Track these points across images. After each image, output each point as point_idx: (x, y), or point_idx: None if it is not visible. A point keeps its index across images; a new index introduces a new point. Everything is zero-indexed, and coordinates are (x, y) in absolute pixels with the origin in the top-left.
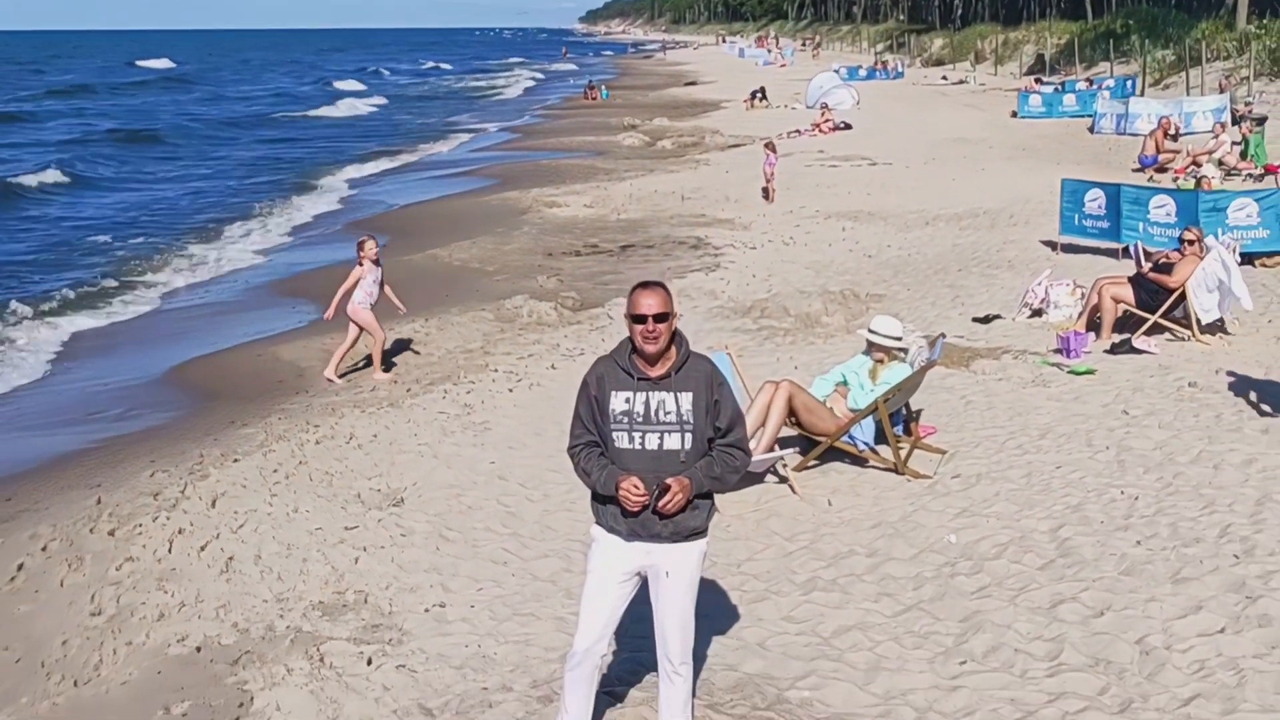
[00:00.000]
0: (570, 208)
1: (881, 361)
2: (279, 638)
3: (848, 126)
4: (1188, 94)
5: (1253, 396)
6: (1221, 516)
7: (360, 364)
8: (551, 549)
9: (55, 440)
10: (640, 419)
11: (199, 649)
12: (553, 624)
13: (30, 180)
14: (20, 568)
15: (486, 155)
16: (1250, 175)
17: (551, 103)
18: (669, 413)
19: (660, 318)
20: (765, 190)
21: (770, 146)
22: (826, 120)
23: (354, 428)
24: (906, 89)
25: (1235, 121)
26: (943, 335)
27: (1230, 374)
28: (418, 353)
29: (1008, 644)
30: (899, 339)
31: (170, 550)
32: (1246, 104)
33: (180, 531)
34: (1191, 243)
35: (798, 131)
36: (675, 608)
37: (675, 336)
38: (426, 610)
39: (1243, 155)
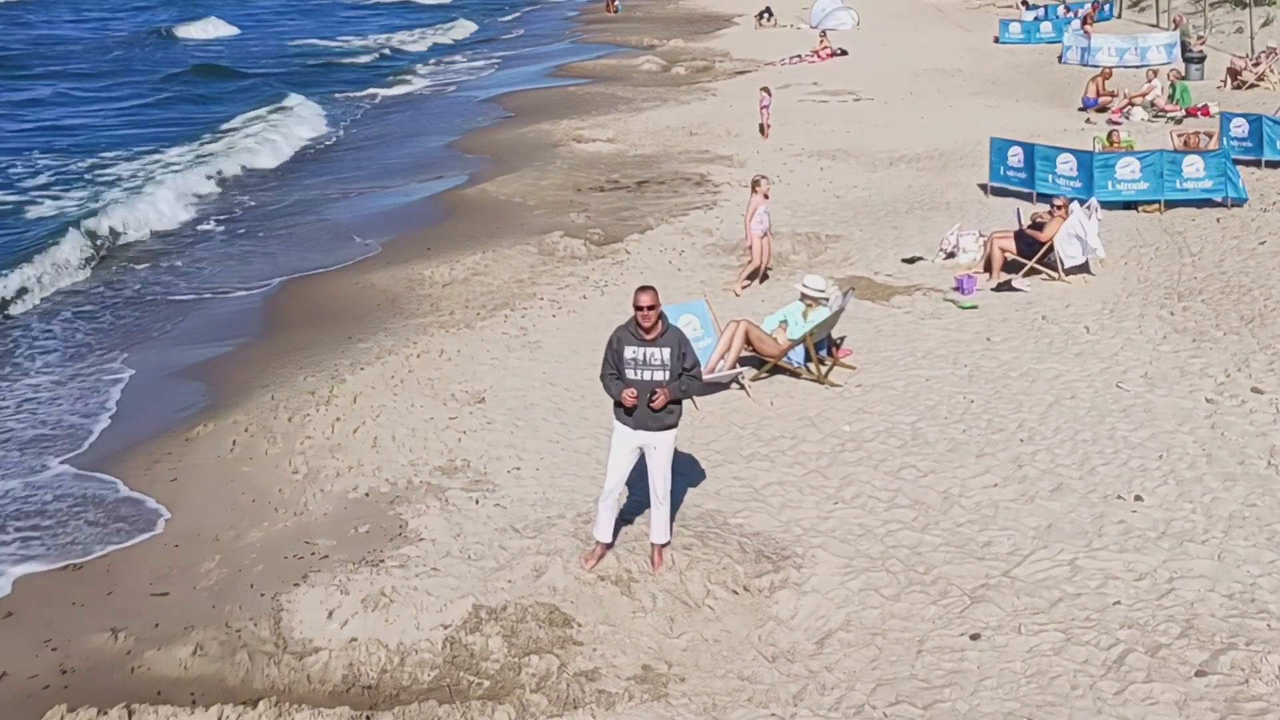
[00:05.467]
0: (595, 143)
1: (811, 306)
2: (416, 488)
3: (844, 53)
4: (1157, 18)
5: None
6: (1023, 415)
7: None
8: (586, 433)
9: (216, 350)
10: (641, 363)
11: (367, 494)
12: (588, 480)
13: None
14: (234, 443)
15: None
16: (1173, 118)
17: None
18: (656, 360)
19: (651, 308)
20: (761, 127)
21: (766, 90)
22: (824, 47)
23: (443, 345)
24: (907, 5)
25: (1185, 56)
26: (852, 289)
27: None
28: (482, 282)
29: (865, 493)
30: (822, 291)
31: (333, 431)
32: (1199, 37)
33: (338, 419)
34: (1060, 207)
35: (798, 57)
36: (659, 467)
37: (660, 315)
38: (509, 472)
39: (1170, 99)
